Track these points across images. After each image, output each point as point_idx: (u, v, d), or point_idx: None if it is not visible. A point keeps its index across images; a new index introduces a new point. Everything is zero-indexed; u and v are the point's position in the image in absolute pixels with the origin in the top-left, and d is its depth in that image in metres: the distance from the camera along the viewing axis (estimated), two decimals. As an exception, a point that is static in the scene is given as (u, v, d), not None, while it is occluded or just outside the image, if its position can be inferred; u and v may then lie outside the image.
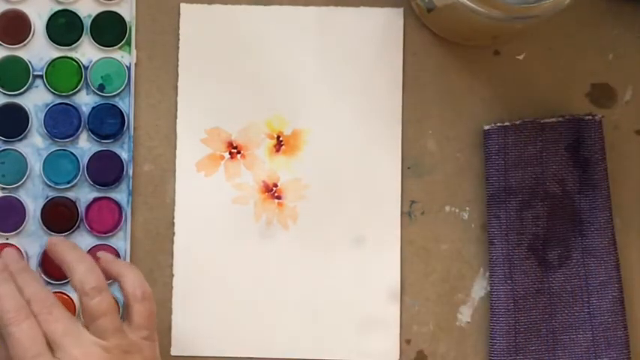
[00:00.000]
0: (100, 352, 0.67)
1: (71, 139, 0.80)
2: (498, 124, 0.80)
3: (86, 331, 0.68)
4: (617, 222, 0.81)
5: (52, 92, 0.80)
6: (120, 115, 0.80)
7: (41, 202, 0.79)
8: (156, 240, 0.80)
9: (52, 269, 0.79)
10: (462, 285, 0.81)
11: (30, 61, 0.80)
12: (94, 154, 0.80)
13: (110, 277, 0.71)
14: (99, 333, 0.68)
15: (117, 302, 0.72)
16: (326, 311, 0.80)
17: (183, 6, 0.81)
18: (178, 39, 0.81)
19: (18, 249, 0.78)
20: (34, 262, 0.79)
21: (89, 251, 0.79)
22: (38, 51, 0.80)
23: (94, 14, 0.80)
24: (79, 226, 0.80)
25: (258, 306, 0.80)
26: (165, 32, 0.81)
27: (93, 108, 0.80)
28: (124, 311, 0.71)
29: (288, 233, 0.81)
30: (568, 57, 0.82)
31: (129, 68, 0.80)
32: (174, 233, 0.80)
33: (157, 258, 0.80)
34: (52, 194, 0.80)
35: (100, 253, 0.73)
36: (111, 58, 0.80)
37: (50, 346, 0.67)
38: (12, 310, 0.67)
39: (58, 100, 0.80)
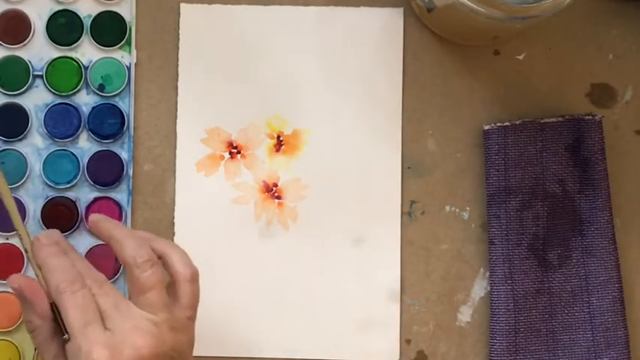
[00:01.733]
0: (149, 326, 0.67)
1: (71, 139, 0.80)
2: (498, 124, 0.80)
3: (135, 306, 0.68)
4: (617, 222, 0.81)
5: (52, 92, 0.80)
6: (120, 115, 0.80)
7: (41, 202, 0.79)
8: (156, 240, 0.80)
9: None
10: (462, 285, 0.81)
11: (30, 61, 0.80)
12: (94, 154, 0.80)
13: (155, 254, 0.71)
14: (148, 306, 0.68)
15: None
16: (326, 311, 0.80)
17: (183, 6, 0.81)
18: (178, 39, 0.81)
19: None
20: (34, 263, 0.79)
21: (89, 251, 0.79)
22: (38, 51, 0.80)
23: (94, 14, 0.80)
24: (79, 226, 0.80)
25: (258, 306, 0.80)
26: (165, 32, 0.81)
27: (93, 108, 0.80)
28: (169, 290, 0.70)
29: (288, 233, 0.81)
30: (568, 57, 0.82)
31: (129, 68, 0.80)
32: (174, 233, 0.80)
33: (157, 258, 0.80)
34: (52, 194, 0.80)
35: (142, 232, 0.73)
36: (111, 58, 0.80)
37: (102, 316, 0.68)
38: (67, 280, 0.68)
39: (58, 100, 0.80)
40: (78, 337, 0.67)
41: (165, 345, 0.68)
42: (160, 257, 0.71)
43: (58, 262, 0.70)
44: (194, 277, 0.71)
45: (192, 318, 0.71)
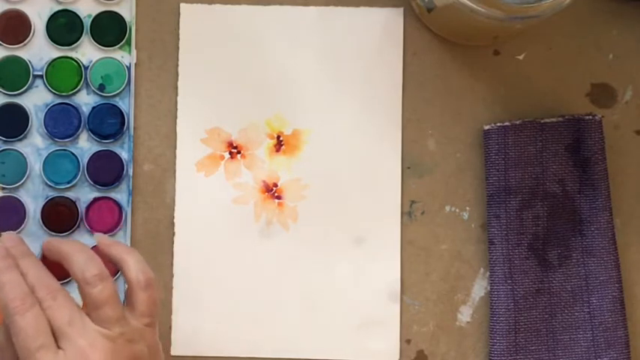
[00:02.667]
0: (104, 343, 0.67)
1: (71, 139, 0.80)
2: (498, 124, 0.80)
3: (89, 320, 0.67)
4: (617, 222, 0.81)
5: (52, 92, 0.80)
6: (120, 115, 0.80)
7: (41, 202, 0.79)
8: (156, 240, 0.80)
9: (52, 270, 0.78)
10: (462, 285, 0.81)
11: (30, 61, 0.80)
12: (94, 154, 0.80)
13: (111, 261, 0.70)
14: (102, 322, 0.67)
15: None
16: (326, 311, 0.80)
17: (183, 6, 0.81)
18: (178, 39, 0.81)
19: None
20: None
21: (89, 251, 0.79)
22: (38, 51, 0.80)
23: (94, 14, 0.80)
24: (79, 226, 0.80)
25: (258, 306, 0.80)
26: (165, 32, 0.81)
27: (93, 108, 0.80)
28: (126, 296, 0.70)
29: (288, 233, 0.81)
30: (568, 57, 0.82)
31: (129, 68, 0.80)
32: (174, 233, 0.80)
33: (157, 258, 0.80)
34: (52, 194, 0.80)
35: (97, 235, 0.72)
36: (111, 58, 0.80)
37: (54, 333, 0.67)
38: (17, 299, 0.67)
39: (58, 100, 0.80)
40: None
41: (122, 359, 0.67)
42: (116, 263, 0.70)
43: (7, 277, 0.68)
44: (148, 284, 0.69)
45: (151, 324, 0.69)
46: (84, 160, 0.80)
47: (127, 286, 0.70)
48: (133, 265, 0.70)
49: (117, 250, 0.71)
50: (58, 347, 0.66)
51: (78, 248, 0.70)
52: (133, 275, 0.69)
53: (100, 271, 0.68)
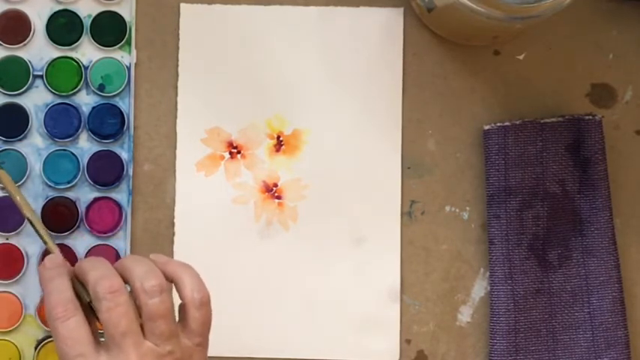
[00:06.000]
0: None
1: (71, 139, 0.80)
2: (498, 124, 0.80)
3: (141, 336, 0.66)
4: (617, 222, 0.81)
5: (52, 92, 0.80)
6: (120, 115, 0.80)
7: (41, 202, 0.79)
8: (156, 240, 0.80)
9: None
10: (462, 285, 0.81)
11: (30, 61, 0.80)
12: (94, 154, 0.80)
13: (166, 279, 0.69)
14: (154, 336, 0.66)
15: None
16: (326, 311, 0.80)
17: (183, 6, 0.81)
18: (178, 39, 0.81)
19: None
20: (34, 262, 0.79)
21: (89, 251, 0.79)
22: (38, 51, 0.80)
23: (94, 14, 0.80)
24: (79, 226, 0.80)
25: (257, 306, 0.80)
26: (166, 32, 0.81)
27: (93, 108, 0.80)
28: (179, 314, 0.69)
29: (288, 233, 0.81)
30: (568, 57, 0.82)
31: (129, 68, 0.80)
32: (174, 233, 0.80)
33: (157, 258, 0.80)
34: (52, 194, 0.80)
35: (153, 255, 0.71)
36: (111, 58, 0.80)
37: (105, 336, 0.66)
38: (59, 305, 0.67)
39: (58, 100, 0.80)
40: None
41: None
42: (172, 281, 0.69)
43: (53, 285, 0.68)
44: (203, 302, 0.68)
45: (201, 344, 0.68)
46: (84, 160, 0.80)
47: (180, 303, 0.69)
48: (189, 282, 0.69)
49: (172, 267, 0.70)
50: (101, 351, 0.66)
51: (139, 260, 0.69)
52: (188, 293, 0.68)
53: (160, 282, 0.67)
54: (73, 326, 0.66)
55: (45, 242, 0.73)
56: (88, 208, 0.80)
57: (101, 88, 0.80)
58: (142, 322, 0.67)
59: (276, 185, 0.81)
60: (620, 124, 0.82)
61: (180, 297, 0.69)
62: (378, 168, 0.81)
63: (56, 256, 0.72)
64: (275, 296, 0.80)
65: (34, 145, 0.80)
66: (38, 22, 0.80)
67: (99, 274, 0.68)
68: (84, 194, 0.80)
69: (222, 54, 0.81)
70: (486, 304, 0.81)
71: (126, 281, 0.68)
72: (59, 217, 0.79)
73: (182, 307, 0.69)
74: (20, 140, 0.80)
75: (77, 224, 0.79)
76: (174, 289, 0.70)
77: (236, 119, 0.81)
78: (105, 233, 0.79)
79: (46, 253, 0.78)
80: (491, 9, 0.69)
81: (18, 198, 0.74)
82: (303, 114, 0.81)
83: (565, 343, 0.80)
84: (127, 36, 0.80)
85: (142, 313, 0.67)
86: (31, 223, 0.73)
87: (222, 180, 0.81)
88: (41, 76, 0.80)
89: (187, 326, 0.68)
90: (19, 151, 0.79)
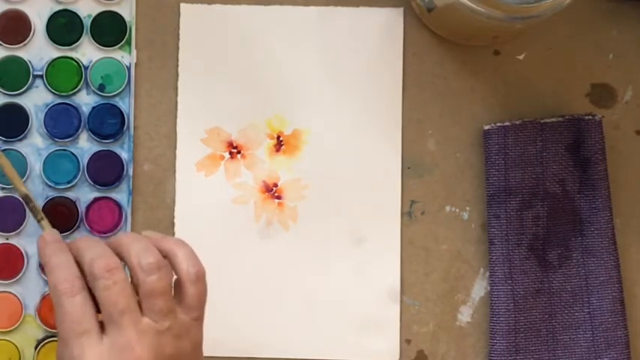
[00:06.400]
0: (151, 337, 0.66)
1: (71, 139, 0.80)
2: (498, 124, 0.80)
3: (139, 313, 0.66)
4: (617, 222, 0.81)
5: (52, 92, 0.80)
6: (120, 115, 0.80)
7: (41, 202, 0.79)
8: (156, 240, 0.80)
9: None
10: (462, 285, 0.81)
11: (30, 61, 0.80)
12: (94, 154, 0.80)
13: (161, 255, 0.69)
14: (152, 313, 0.66)
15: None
16: (326, 311, 0.80)
17: (183, 6, 0.81)
18: (178, 39, 0.81)
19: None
20: (34, 262, 0.79)
21: (89, 251, 0.79)
22: (38, 51, 0.80)
23: (94, 14, 0.80)
24: (79, 226, 0.80)
25: (257, 306, 0.80)
26: (166, 32, 0.81)
27: (93, 108, 0.80)
28: (175, 289, 0.69)
29: (288, 233, 0.81)
30: (568, 57, 0.82)
31: (129, 68, 0.80)
32: (174, 233, 0.80)
33: (157, 258, 0.80)
34: (52, 194, 0.80)
35: (146, 232, 0.72)
36: (111, 58, 0.80)
37: (103, 316, 0.66)
38: (66, 281, 0.66)
39: (58, 100, 0.80)
40: (73, 347, 0.65)
41: (164, 355, 0.66)
42: (166, 256, 0.69)
43: (57, 260, 0.68)
44: (199, 277, 0.69)
45: (198, 318, 0.69)
46: (84, 160, 0.80)
47: (175, 278, 0.69)
48: (184, 257, 0.69)
49: (167, 243, 0.70)
50: (103, 332, 0.66)
51: (135, 238, 0.69)
52: (183, 267, 0.68)
53: (157, 259, 0.67)
54: (79, 302, 0.66)
55: (38, 219, 0.73)
56: (88, 208, 0.80)
57: (101, 88, 0.80)
58: (139, 300, 0.67)
59: (276, 185, 0.81)
60: (620, 124, 0.82)
61: (176, 272, 0.69)
62: (378, 168, 0.81)
63: (55, 231, 0.72)
64: (275, 296, 0.80)
65: (34, 145, 0.80)
66: (38, 22, 0.80)
67: (95, 253, 0.68)
68: (84, 194, 0.80)
69: (222, 54, 0.81)
70: (486, 304, 0.81)
71: (121, 259, 0.68)
72: (59, 217, 0.79)
73: (177, 282, 0.69)
74: (20, 140, 0.80)
75: (77, 224, 0.79)
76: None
77: (236, 119, 0.81)
78: (105, 233, 0.79)
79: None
80: (491, 9, 0.69)
81: (13, 174, 0.74)
82: (303, 114, 0.81)
83: (565, 343, 0.80)
84: (127, 36, 0.80)
85: (140, 290, 0.67)
86: (25, 201, 0.73)
87: (222, 180, 0.81)
88: (41, 76, 0.80)
89: (183, 301, 0.68)
90: (19, 151, 0.79)
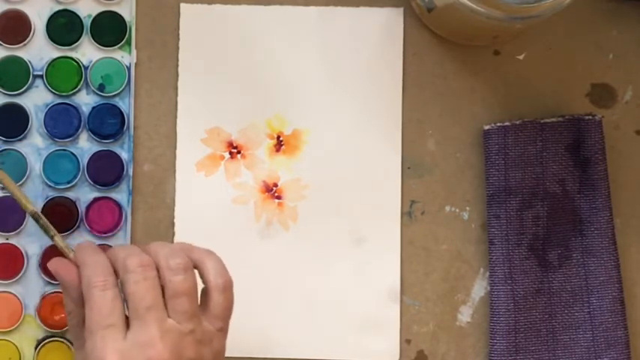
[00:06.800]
0: (174, 337, 0.66)
1: (71, 139, 0.80)
2: (498, 124, 0.80)
3: (165, 312, 0.67)
4: (617, 222, 0.81)
5: (52, 92, 0.80)
6: (120, 115, 0.80)
7: (41, 202, 0.79)
8: (156, 240, 0.80)
9: (52, 269, 0.79)
10: (462, 285, 0.81)
11: (30, 61, 0.80)
12: (94, 154, 0.80)
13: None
14: (176, 313, 0.67)
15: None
16: (326, 311, 0.80)
17: (183, 6, 0.81)
18: (178, 39, 0.81)
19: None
20: (34, 262, 0.79)
21: (89, 251, 0.79)
22: (38, 51, 0.80)
23: (94, 14, 0.80)
24: (79, 226, 0.80)
25: (257, 306, 0.80)
26: (166, 32, 0.81)
27: (93, 108, 0.80)
28: (201, 298, 0.69)
29: (288, 233, 0.81)
30: (568, 57, 0.82)
31: (129, 68, 0.80)
32: (174, 233, 0.80)
33: (157, 258, 0.80)
34: (52, 194, 0.80)
35: (181, 243, 0.72)
36: (111, 58, 0.80)
37: (129, 310, 0.67)
38: (101, 275, 0.67)
39: (58, 100, 0.80)
40: (96, 338, 0.66)
41: (184, 358, 0.66)
42: (196, 267, 0.70)
43: (94, 258, 0.69)
44: (226, 287, 0.69)
45: (222, 329, 0.69)
46: (84, 160, 0.80)
47: (203, 287, 0.70)
48: (212, 267, 0.69)
49: (197, 253, 0.70)
50: (128, 327, 0.67)
51: (164, 244, 0.70)
52: (211, 277, 0.69)
53: (185, 261, 0.68)
54: (110, 296, 0.67)
55: (50, 236, 0.73)
56: (88, 208, 0.80)
57: (101, 88, 0.80)
58: (166, 301, 0.68)
59: (276, 185, 0.81)
60: (620, 124, 0.82)
61: (204, 281, 0.70)
62: (378, 168, 0.81)
63: (90, 242, 0.73)
64: (275, 296, 0.80)
65: (34, 145, 0.80)
66: (38, 22, 0.80)
67: (128, 252, 0.69)
68: (84, 194, 0.80)
69: (222, 54, 0.81)
70: (486, 304, 0.81)
71: None
72: (59, 217, 0.79)
73: (205, 292, 0.69)
74: (20, 140, 0.80)
75: (77, 224, 0.79)
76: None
77: (236, 119, 0.81)
78: (105, 233, 0.79)
79: (46, 252, 0.78)
80: (491, 9, 0.69)
81: (19, 195, 0.74)
82: (303, 114, 0.81)
83: (565, 343, 0.80)
84: (127, 36, 0.80)
85: (166, 290, 0.68)
86: (35, 219, 0.73)
87: (222, 180, 0.81)
88: (41, 76, 0.80)
89: (209, 310, 0.69)
90: (19, 151, 0.79)
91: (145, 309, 0.67)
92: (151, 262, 0.68)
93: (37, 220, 0.73)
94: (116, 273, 0.69)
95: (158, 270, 0.68)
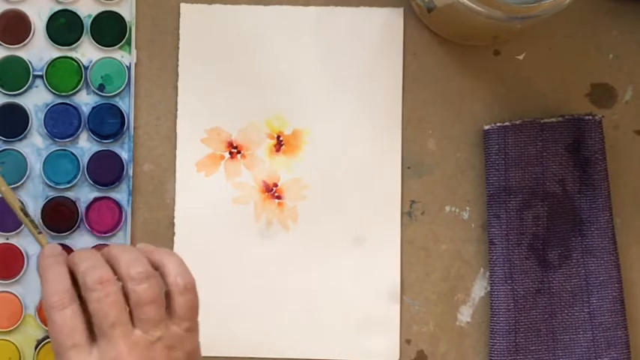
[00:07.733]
0: (142, 350, 0.66)
1: (71, 139, 0.80)
2: (498, 124, 0.80)
3: (130, 324, 0.66)
4: (617, 222, 0.81)
5: (52, 92, 0.80)
6: (120, 115, 0.80)
7: (41, 202, 0.79)
8: (156, 240, 0.80)
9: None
10: (462, 285, 0.81)
11: (30, 61, 0.80)
12: (94, 154, 0.80)
13: (152, 266, 0.69)
14: (142, 322, 0.66)
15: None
16: (326, 311, 0.80)
17: (183, 6, 0.81)
18: (178, 39, 0.81)
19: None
20: (34, 262, 0.79)
21: (89, 251, 0.79)
22: (38, 51, 0.80)
23: (94, 14, 0.80)
24: (79, 226, 0.80)
25: (258, 306, 0.80)
26: (166, 32, 0.81)
27: (93, 108, 0.80)
28: (166, 299, 0.69)
29: (289, 233, 0.81)
30: (568, 57, 0.82)
31: (129, 68, 0.80)
32: (174, 233, 0.80)
33: (157, 258, 0.80)
34: (52, 194, 0.80)
35: (140, 244, 0.72)
36: (111, 58, 0.80)
37: (94, 328, 0.66)
38: (56, 294, 0.66)
39: (58, 100, 0.80)
40: (63, 359, 0.66)
41: None
42: (157, 268, 0.69)
43: (51, 273, 0.68)
44: (187, 287, 0.68)
45: (190, 329, 0.68)
46: (84, 160, 0.80)
47: (165, 290, 0.69)
48: (173, 268, 0.69)
49: (157, 255, 0.70)
50: (93, 342, 0.66)
51: (125, 249, 0.70)
52: (172, 279, 0.68)
53: (146, 269, 0.67)
54: (69, 315, 0.66)
55: (35, 236, 0.73)
56: (88, 208, 0.80)
57: (101, 88, 0.80)
58: (130, 310, 0.67)
59: (276, 185, 0.81)
60: (620, 124, 0.82)
61: (165, 284, 0.69)
62: (378, 168, 0.81)
63: (55, 245, 0.72)
64: (275, 296, 0.80)
65: (34, 145, 0.80)
66: (38, 22, 0.80)
67: (88, 265, 0.68)
68: (84, 194, 0.80)
69: (222, 54, 0.81)
70: (486, 304, 0.81)
71: (113, 269, 0.68)
72: (59, 217, 0.79)
73: (167, 294, 0.69)
74: (20, 140, 0.80)
75: (77, 224, 0.80)
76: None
77: (236, 119, 0.81)
78: (105, 233, 0.79)
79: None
80: (491, 9, 0.69)
81: (7, 194, 0.73)
82: (303, 114, 0.81)
83: (565, 343, 0.80)
84: (127, 36, 0.80)
85: (130, 300, 0.67)
86: (22, 217, 0.73)
87: (222, 180, 0.81)
88: (41, 76, 0.80)
89: (174, 312, 0.68)
90: (19, 151, 0.79)
91: (110, 326, 0.66)
92: (111, 275, 0.67)
93: (25, 215, 0.73)
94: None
95: (119, 278, 0.67)
